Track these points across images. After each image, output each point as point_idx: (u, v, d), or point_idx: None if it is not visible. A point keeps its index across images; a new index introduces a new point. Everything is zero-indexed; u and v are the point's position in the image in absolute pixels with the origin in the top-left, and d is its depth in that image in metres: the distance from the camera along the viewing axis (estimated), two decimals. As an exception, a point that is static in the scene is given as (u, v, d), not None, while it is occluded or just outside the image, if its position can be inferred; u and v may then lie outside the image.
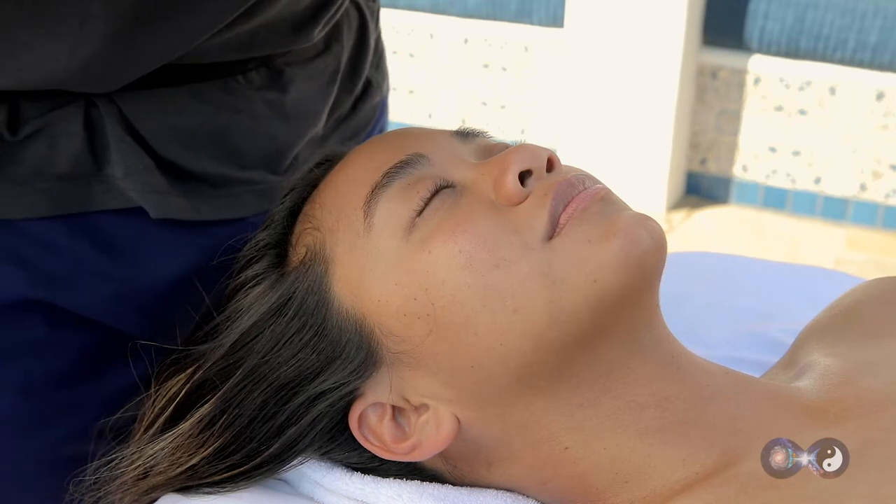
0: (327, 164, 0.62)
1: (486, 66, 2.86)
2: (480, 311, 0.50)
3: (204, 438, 0.55)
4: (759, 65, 2.53)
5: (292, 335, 0.55)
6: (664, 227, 2.30)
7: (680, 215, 2.63)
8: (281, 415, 0.54)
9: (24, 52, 0.56)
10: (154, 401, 0.57)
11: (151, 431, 0.56)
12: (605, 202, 0.53)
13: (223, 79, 0.66)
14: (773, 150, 2.59)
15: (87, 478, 0.57)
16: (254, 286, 0.57)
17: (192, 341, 0.59)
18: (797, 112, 2.53)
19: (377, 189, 0.54)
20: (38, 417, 0.63)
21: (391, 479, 0.56)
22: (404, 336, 0.53)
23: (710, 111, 2.63)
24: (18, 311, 0.61)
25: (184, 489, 0.56)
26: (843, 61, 2.43)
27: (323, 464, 0.57)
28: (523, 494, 0.56)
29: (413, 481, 0.55)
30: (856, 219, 2.55)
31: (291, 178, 0.63)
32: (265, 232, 0.60)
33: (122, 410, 0.60)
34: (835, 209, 2.57)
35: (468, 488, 0.55)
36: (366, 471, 0.57)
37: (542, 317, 0.50)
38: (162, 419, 0.56)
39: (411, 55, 2.95)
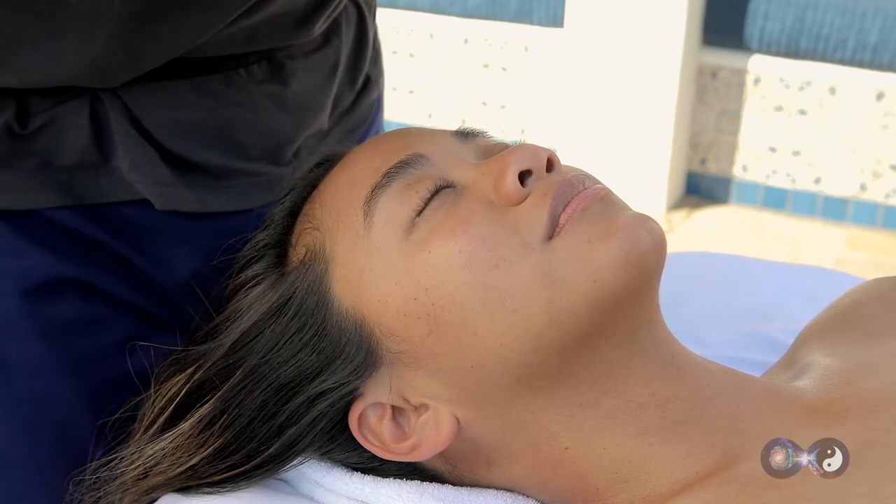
0: (327, 164, 0.62)
1: (486, 66, 2.86)
2: (480, 311, 0.50)
3: (204, 438, 0.55)
4: (759, 65, 2.53)
5: (292, 335, 0.55)
6: (664, 227, 2.30)
7: (680, 215, 2.63)
8: (281, 415, 0.54)
9: (31, 52, 0.57)
10: (154, 401, 0.57)
11: (151, 431, 0.56)
12: (605, 202, 0.53)
13: (225, 72, 0.67)
14: (773, 150, 2.59)
15: (87, 478, 0.57)
16: (254, 286, 0.57)
17: (192, 341, 0.59)
18: (797, 112, 2.53)
19: (377, 189, 0.54)
20: (88, 393, 0.63)
21: (391, 479, 0.56)
22: (404, 336, 0.53)
23: (710, 111, 2.63)
24: (53, 290, 0.62)
25: (184, 489, 0.56)
26: (843, 61, 2.43)
27: (323, 464, 0.57)
28: (523, 494, 0.56)
29: (413, 481, 0.55)
30: (856, 219, 2.55)
31: (291, 177, 0.63)
32: (265, 232, 0.60)
33: (121, 410, 0.60)
34: (835, 209, 2.57)
35: (468, 488, 0.55)
36: (366, 471, 0.57)
37: (542, 317, 0.50)
38: (162, 419, 0.56)
39: (411, 55, 2.95)
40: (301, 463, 0.56)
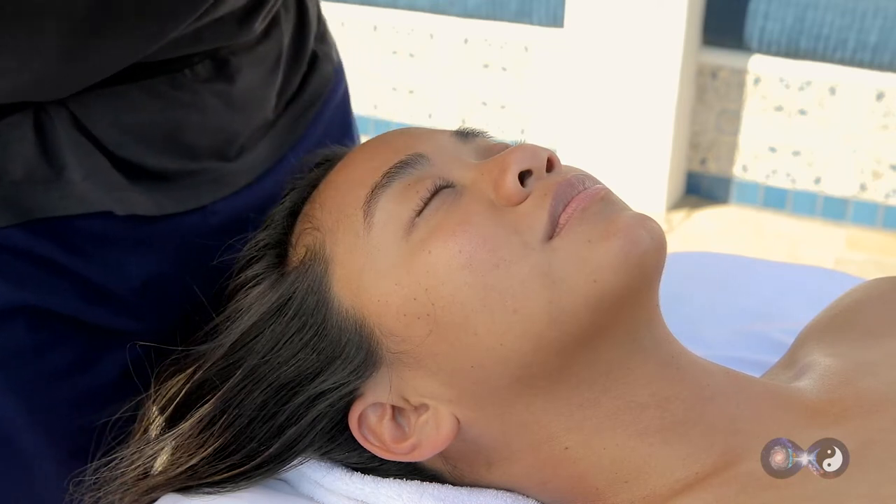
0: (327, 164, 0.62)
1: (486, 66, 2.86)
2: (480, 311, 0.50)
3: (204, 438, 0.55)
4: (759, 65, 2.53)
5: (292, 335, 0.55)
6: (664, 227, 2.30)
7: (680, 215, 2.63)
8: (281, 415, 0.54)
9: None
10: (154, 401, 0.57)
11: (151, 431, 0.56)
12: (605, 202, 0.53)
13: (171, 74, 0.66)
14: (773, 150, 2.59)
15: (87, 478, 0.57)
16: (254, 286, 0.57)
17: (191, 341, 0.59)
18: (797, 112, 2.53)
19: (377, 189, 0.54)
20: (37, 413, 0.63)
21: (391, 479, 0.56)
22: (404, 336, 0.53)
23: (710, 111, 2.63)
24: (2, 319, 0.60)
25: (184, 489, 0.56)
26: (843, 61, 2.43)
27: (323, 464, 0.57)
28: (523, 494, 0.56)
29: (413, 481, 0.56)
30: (856, 219, 2.55)
31: (291, 178, 0.63)
32: (265, 232, 0.60)
33: (122, 410, 0.60)
34: (835, 209, 2.57)
35: (468, 488, 0.55)
36: (366, 471, 0.57)
37: (542, 317, 0.50)
38: (162, 419, 0.56)
39: (411, 55, 2.95)
40: (301, 463, 0.56)
